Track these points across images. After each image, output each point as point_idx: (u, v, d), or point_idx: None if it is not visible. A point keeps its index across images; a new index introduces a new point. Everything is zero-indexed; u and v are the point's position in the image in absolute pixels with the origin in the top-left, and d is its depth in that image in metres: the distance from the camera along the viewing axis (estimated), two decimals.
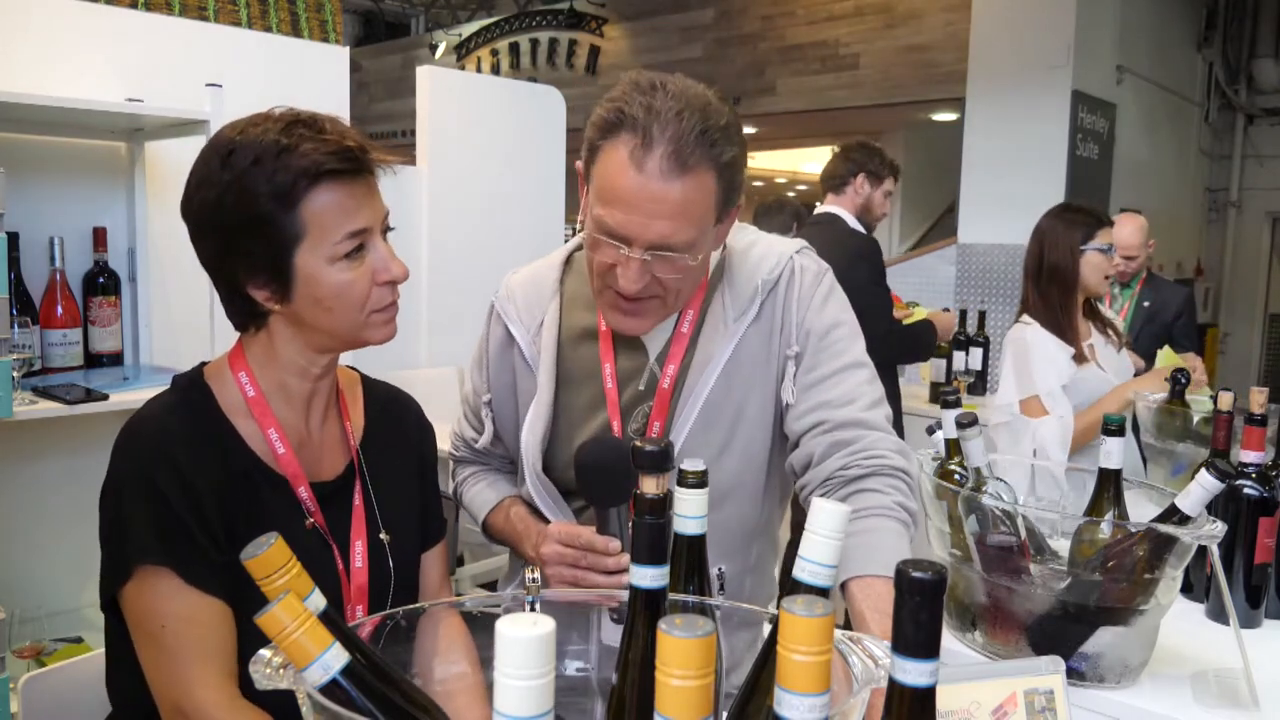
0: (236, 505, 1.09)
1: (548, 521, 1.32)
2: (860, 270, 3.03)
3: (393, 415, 1.30)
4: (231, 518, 1.08)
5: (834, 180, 3.27)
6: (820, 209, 3.32)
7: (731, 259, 1.35)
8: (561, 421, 1.35)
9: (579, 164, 1.25)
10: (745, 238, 1.38)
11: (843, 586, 1.12)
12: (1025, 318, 2.55)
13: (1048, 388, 2.42)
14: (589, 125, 1.20)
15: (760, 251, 1.35)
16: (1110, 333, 2.63)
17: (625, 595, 1.16)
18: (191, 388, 1.15)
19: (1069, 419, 2.39)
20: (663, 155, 1.12)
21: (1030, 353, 2.47)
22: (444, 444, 1.48)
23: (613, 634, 1.04)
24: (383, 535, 1.20)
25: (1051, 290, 2.51)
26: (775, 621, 0.58)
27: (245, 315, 1.15)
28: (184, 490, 1.05)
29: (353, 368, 1.33)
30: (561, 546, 1.22)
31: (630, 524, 1.18)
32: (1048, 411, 2.41)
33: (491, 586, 2.82)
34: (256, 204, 1.05)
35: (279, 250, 1.06)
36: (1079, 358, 2.46)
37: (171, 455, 1.06)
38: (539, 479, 1.33)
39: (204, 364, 1.19)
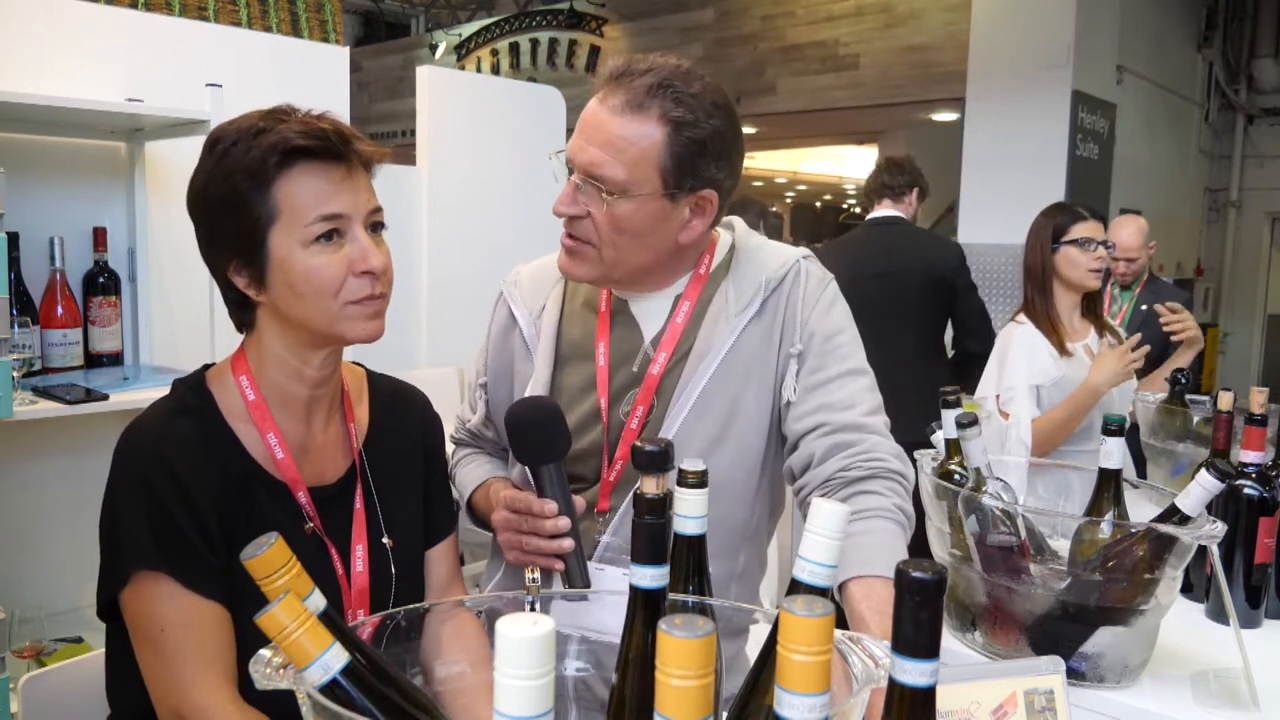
0: (234, 510, 1.08)
1: None
2: (964, 273, 3.27)
3: (397, 411, 1.29)
4: (229, 523, 1.07)
5: (894, 190, 3.44)
6: (882, 213, 3.43)
7: (738, 256, 1.36)
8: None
9: None
10: (753, 240, 1.40)
11: (841, 586, 1.11)
12: (1020, 316, 2.58)
13: (1011, 382, 2.43)
14: None
15: (767, 252, 1.37)
16: (1109, 337, 2.63)
17: (559, 564, 1.19)
18: (191, 392, 1.14)
19: (1025, 420, 2.40)
20: (620, 91, 1.21)
21: (1009, 348, 2.49)
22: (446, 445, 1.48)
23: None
24: (385, 540, 1.19)
25: (1029, 288, 2.59)
26: (775, 622, 0.58)
27: (237, 309, 1.15)
28: (181, 496, 1.05)
29: (359, 364, 1.32)
30: (507, 512, 1.24)
31: (566, 483, 1.21)
32: (1001, 406, 2.43)
33: None
34: (232, 183, 1.07)
35: (253, 231, 1.07)
36: (1063, 352, 2.47)
37: (169, 460, 1.06)
38: None
39: (207, 366, 1.19)
